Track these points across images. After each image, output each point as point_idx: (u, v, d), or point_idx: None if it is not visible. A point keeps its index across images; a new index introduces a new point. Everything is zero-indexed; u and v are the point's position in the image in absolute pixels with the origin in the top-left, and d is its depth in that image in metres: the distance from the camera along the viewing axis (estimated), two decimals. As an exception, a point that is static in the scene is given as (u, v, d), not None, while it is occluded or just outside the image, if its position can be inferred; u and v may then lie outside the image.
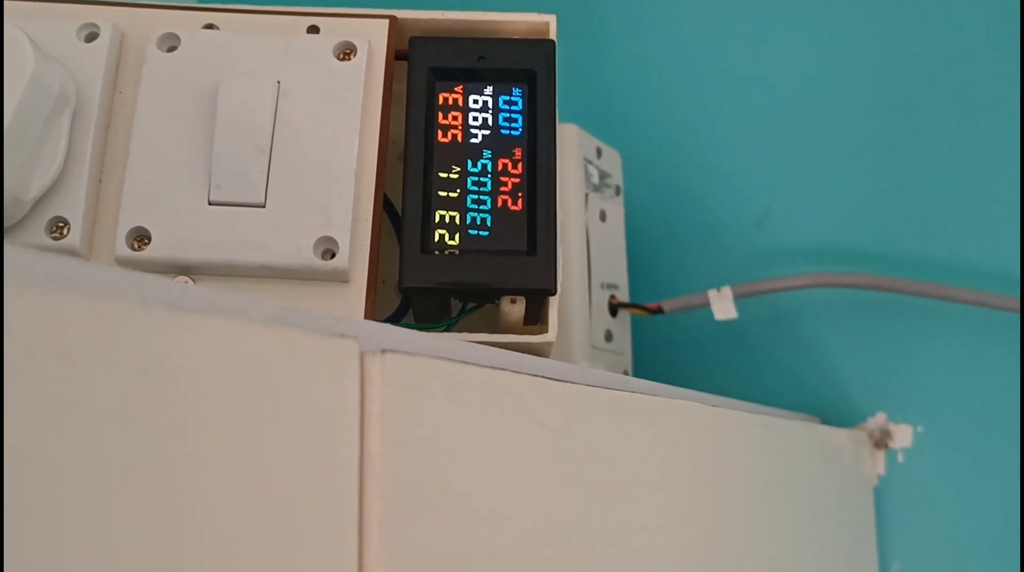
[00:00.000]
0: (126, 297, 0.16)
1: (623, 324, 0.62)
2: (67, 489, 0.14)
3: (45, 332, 0.14)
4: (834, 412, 0.62)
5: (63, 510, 0.14)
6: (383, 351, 0.21)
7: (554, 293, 0.34)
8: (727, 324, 0.62)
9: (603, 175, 0.62)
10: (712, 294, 0.61)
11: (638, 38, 0.75)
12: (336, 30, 0.36)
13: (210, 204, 0.33)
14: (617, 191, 0.64)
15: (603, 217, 0.62)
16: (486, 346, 0.27)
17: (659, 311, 0.62)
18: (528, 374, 0.27)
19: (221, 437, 0.17)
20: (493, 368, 0.25)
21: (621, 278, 0.63)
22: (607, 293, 0.61)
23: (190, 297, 0.18)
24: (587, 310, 0.58)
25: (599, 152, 0.62)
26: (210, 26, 0.36)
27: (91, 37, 0.34)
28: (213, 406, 0.17)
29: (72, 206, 0.33)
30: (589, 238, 0.59)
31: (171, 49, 0.35)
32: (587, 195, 0.60)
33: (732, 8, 0.71)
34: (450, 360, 0.23)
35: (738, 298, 0.60)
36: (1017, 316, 0.57)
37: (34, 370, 0.14)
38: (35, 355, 0.14)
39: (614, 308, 0.62)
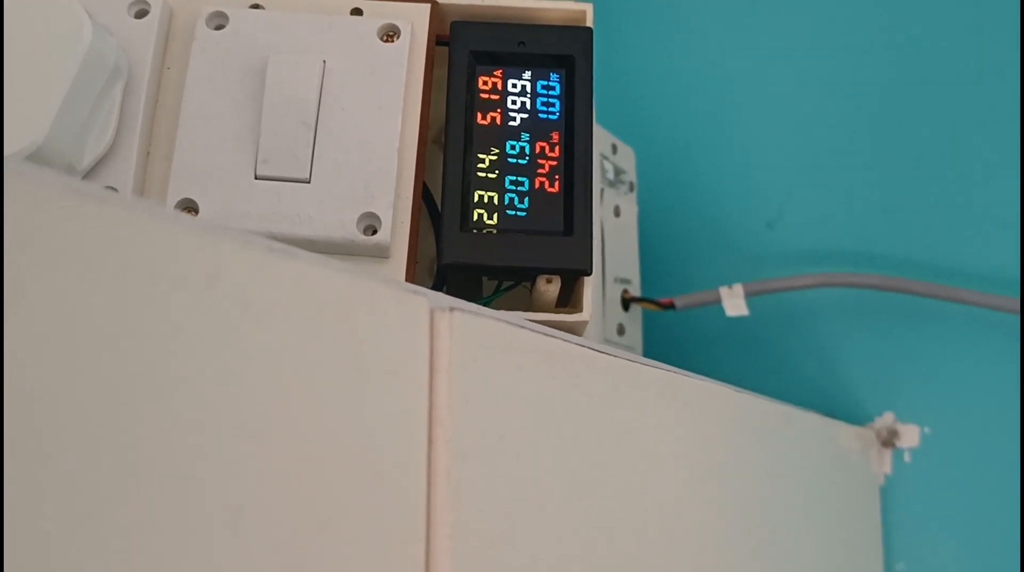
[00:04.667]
0: (231, 238, 0.17)
1: (635, 318, 0.63)
2: (182, 395, 0.15)
3: (164, 262, 0.15)
4: (842, 411, 0.63)
5: (177, 408, 0.15)
6: (451, 309, 0.22)
7: (590, 273, 0.35)
8: (737, 321, 0.63)
9: (618, 171, 0.63)
10: (724, 291, 0.61)
11: (654, 36, 0.76)
12: (379, 14, 0.37)
13: (256, 178, 0.34)
14: (631, 187, 0.65)
15: (617, 212, 0.63)
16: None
17: (671, 306, 0.63)
18: (576, 344, 0.27)
19: (308, 370, 0.18)
20: (546, 335, 0.26)
21: (633, 273, 0.64)
22: (620, 287, 0.62)
23: (282, 247, 0.18)
24: (600, 303, 0.59)
25: (614, 148, 0.63)
26: (256, 6, 0.36)
27: (141, 13, 0.35)
28: (303, 342, 0.18)
29: (122, 176, 0.33)
30: (603, 233, 0.60)
31: (219, 27, 0.35)
32: (602, 190, 0.61)
33: (748, 8, 0.72)
34: (509, 323, 0.24)
35: (749, 296, 0.61)
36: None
37: (158, 295, 0.15)
38: (157, 282, 0.15)
39: (626, 302, 0.62)
